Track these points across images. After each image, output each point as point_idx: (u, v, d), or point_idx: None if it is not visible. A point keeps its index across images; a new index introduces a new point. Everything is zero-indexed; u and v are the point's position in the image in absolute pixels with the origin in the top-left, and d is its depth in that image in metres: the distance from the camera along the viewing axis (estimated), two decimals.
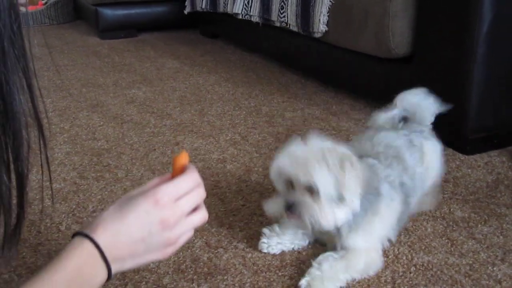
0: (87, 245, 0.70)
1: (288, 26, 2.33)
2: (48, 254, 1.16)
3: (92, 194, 1.43)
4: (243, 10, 2.66)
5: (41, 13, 4.03)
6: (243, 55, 2.94)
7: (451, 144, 1.68)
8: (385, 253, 1.15)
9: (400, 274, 1.10)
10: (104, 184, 1.49)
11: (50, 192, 1.41)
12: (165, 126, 1.92)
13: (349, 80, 2.16)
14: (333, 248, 1.12)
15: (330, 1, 2.06)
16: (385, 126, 1.32)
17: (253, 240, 1.20)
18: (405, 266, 1.13)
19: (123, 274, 1.10)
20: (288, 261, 1.14)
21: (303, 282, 1.05)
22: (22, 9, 0.58)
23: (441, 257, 1.16)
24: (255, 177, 1.52)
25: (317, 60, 2.31)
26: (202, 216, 0.78)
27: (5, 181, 0.59)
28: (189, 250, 1.17)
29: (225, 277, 1.08)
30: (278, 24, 2.42)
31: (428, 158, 1.26)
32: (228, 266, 1.12)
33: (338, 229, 1.09)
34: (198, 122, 1.96)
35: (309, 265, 1.08)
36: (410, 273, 1.10)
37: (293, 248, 1.16)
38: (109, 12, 3.51)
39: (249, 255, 1.15)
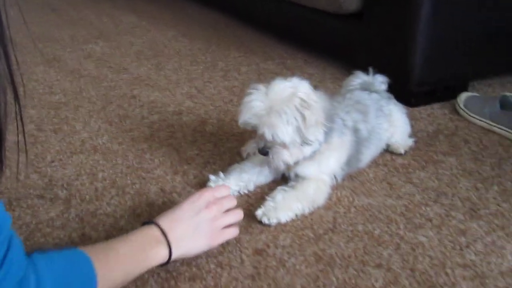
0: (153, 228, 0.92)
1: None
2: (8, 202, 1.21)
3: (51, 146, 1.47)
4: None
5: None
6: (202, 9, 2.95)
7: (397, 97, 1.75)
8: (329, 197, 1.24)
9: (341, 214, 1.19)
10: (62, 136, 1.53)
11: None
12: (121, 80, 1.95)
13: (303, 35, 2.21)
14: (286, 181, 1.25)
15: None
16: (359, 88, 1.43)
17: (206, 186, 1.27)
18: (346, 207, 1.22)
19: (81, 218, 1.16)
20: (238, 202, 1.22)
21: (258, 212, 1.15)
22: None
23: (380, 200, 1.25)
24: (209, 128, 1.58)
25: (273, 15, 2.35)
26: (237, 216, 1.06)
27: None
28: (144, 196, 1.24)
29: None
30: None
31: (396, 123, 1.44)
32: None
33: None
34: (154, 76, 1.99)
35: (258, 204, 1.17)
36: (350, 213, 1.20)
37: (238, 192, 1.24)
38: None
39: None
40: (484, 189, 1.31)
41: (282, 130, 1.10)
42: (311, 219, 1.17)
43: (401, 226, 1.16)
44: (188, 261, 1.02)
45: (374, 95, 1.42)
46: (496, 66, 1.93)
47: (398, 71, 1.75)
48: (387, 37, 1.78)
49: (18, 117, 0.72)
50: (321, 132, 1.16)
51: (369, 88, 1.45)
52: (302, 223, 1.16)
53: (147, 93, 1.83)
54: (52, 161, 1.39)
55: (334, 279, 1.00)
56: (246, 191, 1.26)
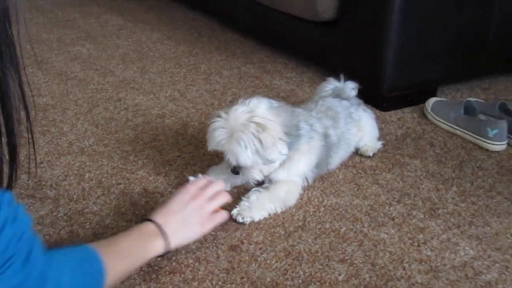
0: (148, 224, 1.04)
1: None
2: None
3: (40, 147, 1.55)
4: None
5: None
6: (186, 12, 3.02)
7: (370, 101, 1.87)
8: (300, 197, 1.34)
9: (311, 213, 1.29)
10: (50, 137, 1.61)
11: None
12: (108, 83, 2.03)
13: (283, 41, 2.31)
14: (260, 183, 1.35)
15: None
16: (331, 95, 1.55)
17: None
18: (315, 207, 1.32)
19: (69, 216, 1.24)
20: None
21: (234, 211, 1.24)
22: None
23: (347, 199, 1.35)
24: (191, 131, 1.67)
25: (255, 21, 2.43)
26: (222, 199, 1.18)
27: (1, 151, 0.74)
28: (128, 196, 1.33)
29: None
30: None
31: (365, 128, 1.54)
32: None
33: None
34: (139, 79, 2.07)
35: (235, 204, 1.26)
36: (319, 212, 1.30)
37: None
38: None
39: None
40: (444, 190, 1.42)
41: (243, 156, 1.21)
42: (283, 218, 1.27)
43: (365, 224, 1.26)
44: (168, 256, 1.11)
45: (345, 102, 1.52)
46: (464, 72, 2.04)
47: (371, 76, 1.86)
48: (360, 44, 1.88)
49: (29, 134, 0.82)
50: (284, 146, 1.25)
51: (341, 95, 1.56)
52: (274, 221, 1.25)
53: (132, 96, 1.92)
54: (41, 163, 1.47)
55: (301, 272, 1.10)
56: None
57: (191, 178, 1.35)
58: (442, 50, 1.89)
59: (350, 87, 1.59)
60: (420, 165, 1.53)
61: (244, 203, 1.27)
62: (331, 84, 1.59)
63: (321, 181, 1.43)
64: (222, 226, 1.22)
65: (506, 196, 1.40)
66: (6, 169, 0.79)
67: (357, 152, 1.56)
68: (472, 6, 1.88)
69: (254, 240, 1.18)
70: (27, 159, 1.48)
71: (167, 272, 1.08)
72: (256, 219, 1.24)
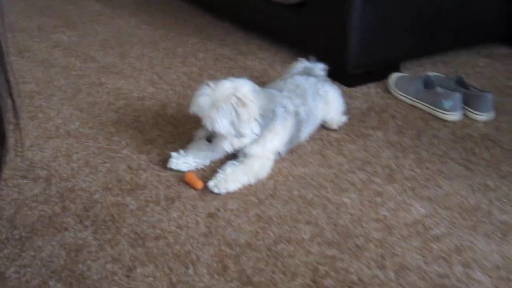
0: None
1: None
2: None
3: (29, 132, 1.66)
4: None
5: None
6: None
7: (337, 78, 2.00)
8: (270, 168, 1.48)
9: (281, 182, 1.43)
10: (38, 122, 1.72)
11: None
12: (89, 68, 2.13)
13: (257, 23, 2.42)
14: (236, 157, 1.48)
15: None
16: (299, 73, 1.68)
17: (167, 163, 1.49)
18: (285, 176, 1.46)
19: (61, 194, 1.37)
20: (196, 175, 1.44)
21: (210, 183, 1.37)
22: None
23: (314, 169, 1.49)
24: (170, 112, 1.79)
25: (230, 4, 2.54)
26: None
27: None
28: (114, 173, 1.45)
29: (144, 191, 1.38)
30: None
31: (331, 103, 1.67)
32: (147, 183, 1.41)
33: None
34: (120, 64, 2.18)
35: (212, 177, 1.40)
36: (288, 181, 1.44)
37: (196, 167, 1.47)
38: None
39: (164, 174, 1.45)
40: (402, 158, 1.56)
41: (219, 123, 1.34)
42: (255, 187, 1.41)
43: (330, 191, 1.40)
44: (152, 224, 1.24)
45: (312, 79, 1.65)
46: (424, 48, 2.18)
47: (337, 55, 1.98)
48: (326, 24, 2.01)
49: (15, 118, 0.91)
50: (256, 125, 1.39)
51: (310, 73, 1.69)
52: (248, 190, 1.39)
53: (113, 80, 2.03)
54: (31, 146, 1.59)
55: (271, 234, 1.24)
56: (202, 166, 1.49)
57: (173, 154, 1.47)
58: (402, 28, 2.02)
59: (319, 68, 1.73)
60: (382, 136, 1.67)
61: (220, 175, 1.40)
62: (302, 63, 1.73)
63: (291, 153, 1.56)
64: (200, 196, 1.35)
65: (458, 161, 1.55)
66: None
67: (323, 126, 1.69)
68: None
69: (230, 208, 1.32)
70: (17, 143, 1.60)
71: (152, 238, 1.21)
72: (231, 190, 1.38)
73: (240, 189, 1.39)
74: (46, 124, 1.71)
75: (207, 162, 1.49)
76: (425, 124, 1.75)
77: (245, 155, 1.47)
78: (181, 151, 1.49)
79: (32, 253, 1.17)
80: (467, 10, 2.16)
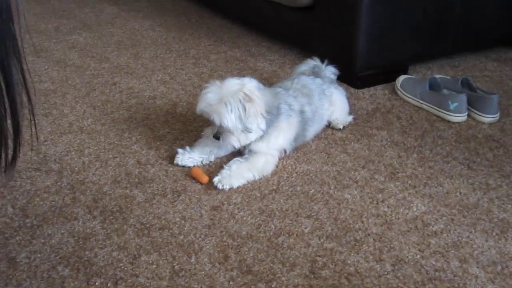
0: None
1: None
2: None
3: (43, 128, 1.72)
4: None
5: None
6: (177, 1, 3.17)
7: (345, 80, 2.03)
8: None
9: (284, 178, 1.47)
10: (52, 119, 1.78)
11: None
12: (103, 68, 2.19)
13: (267, 25, 2.47)
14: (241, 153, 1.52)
15: None
16: (307, 73, 1.74)
17: (174, 159, 1.53)
18: (289, 173, 1.49)
19: (72, 186, 1.42)
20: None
21: (215, 179, 1.41)
22: None
23: (318, 166, 1.53)
24: (179, 110, 1.84)
25: (241, 7, 2.59)
26: None
27: (5, 129, 0.89)
28: (123, 167, 1.50)
29: (152, 185, 1.42)
30: None
31: (336, 103, 1.71)
32: (154, 177, 1.46)
33: None
34: (133, 64, 2.24)
35: (218, 172, 1.44)
36: (292, 177, 1.47)
37: (201, 162, 1.51)
38: None
39: (171, 168, 1.50)
40: (405, 157, 1.59)
41: (227, 117, 1.38)
42: (259, 182, 1.44)
43: (332, 187, 1.43)
44: (158, 215, 1.29)
45: (318, 80, 1.69)
46: (432, 51, 2.20)
47: (345, 57, 2.02)
48: (335, 27, 2.04)
49: (30, 112, 0.96)
50: (263, 121, 1.43)
51: (317, 74, 1.73)
52: (252, 185, 1.43)
53: (126, 80, 2.08)
54: (45, 141, 1.65)
55: (273, 226, 1.27)
56: (208, 162, 1.53)
57: (179, 150, 1.52)
58: (410, 31, 2.05)
59: (330, 71, 1.77)
60: (386, 135, 1.70)
61: (225, 171, 1.44)
62: (309, 64, 1.77)
63: (295, 151, 1.60)
64: (205, 190, 1.39)
65: (461, 161, 1.57)
66: (11, 144, 0.93)
67: (329, 126, 1.72)
68: None
69: (233, 201, 1.36)
70: (32, 138, 1.66)
71: (157, 228, 1.26)
72: (235, 186, 1.41)
73: (244, 184, 1.43)
74: (60, 121, 1.77)
75: (212, 157, 1.53)
76: (430, 125, 1.77)
77: (250, 152, 1.51)
78: (187, 148, 1.53)
79: (42, 240, 1.22)
80: (475, 13, 2.18)
